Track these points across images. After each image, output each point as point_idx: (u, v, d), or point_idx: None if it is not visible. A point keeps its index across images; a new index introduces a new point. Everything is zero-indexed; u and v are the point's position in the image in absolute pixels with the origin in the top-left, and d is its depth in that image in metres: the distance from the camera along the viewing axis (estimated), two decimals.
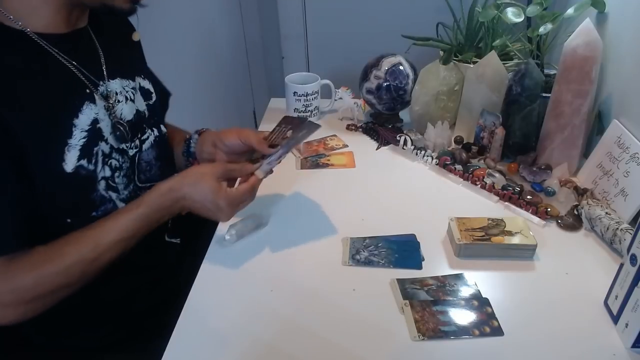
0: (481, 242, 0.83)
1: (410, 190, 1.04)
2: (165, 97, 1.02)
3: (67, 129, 0.73)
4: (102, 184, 0.78)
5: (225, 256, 0.85)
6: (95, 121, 0.76)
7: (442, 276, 0.80)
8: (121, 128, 0.80)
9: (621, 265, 0.71)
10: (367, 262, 0.83)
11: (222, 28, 2.18)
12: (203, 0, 2.10)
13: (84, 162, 0.75)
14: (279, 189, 1.03)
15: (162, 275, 0.92)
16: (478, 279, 0.79)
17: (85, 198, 0.77)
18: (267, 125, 1.29)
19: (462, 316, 0.72)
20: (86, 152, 0.75)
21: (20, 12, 0.70)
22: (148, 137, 0.89)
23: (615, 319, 0.71)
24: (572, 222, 0.91)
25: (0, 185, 0.67)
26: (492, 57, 1.09)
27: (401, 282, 0.78)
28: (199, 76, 2.26)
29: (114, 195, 0.81)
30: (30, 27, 0.71)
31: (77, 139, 0.74)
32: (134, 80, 0.88)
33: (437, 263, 0.83)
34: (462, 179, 1.05)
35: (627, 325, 0.68)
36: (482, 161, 1.11)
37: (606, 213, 0.87)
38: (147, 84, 0.93)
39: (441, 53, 1.21)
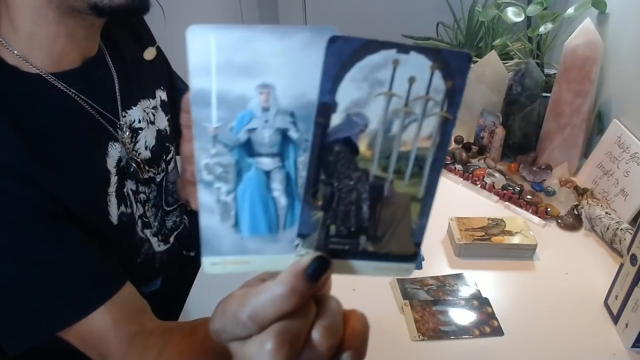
0: (481, 242, 0.83)
1: None
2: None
3: (106, 177, 0.66)
4: (139, 223, 0.73)
5: None
6: (119, 160, 0.68)
7: (442, 276, 0.80)
8: (134, 165, 0.70)
9: (621, 265, 0.70)
10: None
11: None
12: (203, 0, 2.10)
13: (123, 208, 0.68)
14: None
15: (173, 284, 0.87)
16: (478, 279, 0.79)
17: (129, 246, 0.70)
18: None
19: (462, 316, 0.72)
20: (120, 196, 0.68)
21: (29, 50, 0.60)
22: (172, 156, 0.81)
23: (615, 319, 0.70)
24: (572, 222, 0.91)
25: (75, 239, 0.60)
26: (492, 56, 1.09)
27: (401, 282, 0.78)
28: None
29: (148, 232, 0.75)
30: (44, 66, 0.61)
31: (113, 184, 0.67)
32: (154, 97, 0.79)
33: (437, 263, 0.83)
34: (462, 179, 1.05)
35: (627, 325, 0.68)
36: (482, 161, 1.10)
37: (606, 213, 0.87)
38: (165, 95, 0.83)
39: None
